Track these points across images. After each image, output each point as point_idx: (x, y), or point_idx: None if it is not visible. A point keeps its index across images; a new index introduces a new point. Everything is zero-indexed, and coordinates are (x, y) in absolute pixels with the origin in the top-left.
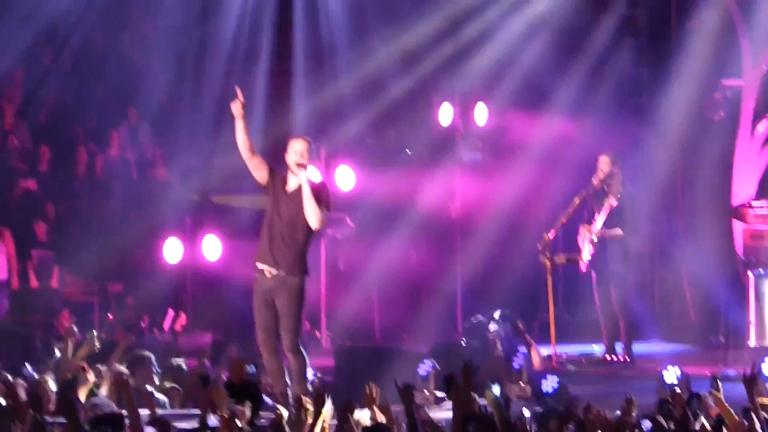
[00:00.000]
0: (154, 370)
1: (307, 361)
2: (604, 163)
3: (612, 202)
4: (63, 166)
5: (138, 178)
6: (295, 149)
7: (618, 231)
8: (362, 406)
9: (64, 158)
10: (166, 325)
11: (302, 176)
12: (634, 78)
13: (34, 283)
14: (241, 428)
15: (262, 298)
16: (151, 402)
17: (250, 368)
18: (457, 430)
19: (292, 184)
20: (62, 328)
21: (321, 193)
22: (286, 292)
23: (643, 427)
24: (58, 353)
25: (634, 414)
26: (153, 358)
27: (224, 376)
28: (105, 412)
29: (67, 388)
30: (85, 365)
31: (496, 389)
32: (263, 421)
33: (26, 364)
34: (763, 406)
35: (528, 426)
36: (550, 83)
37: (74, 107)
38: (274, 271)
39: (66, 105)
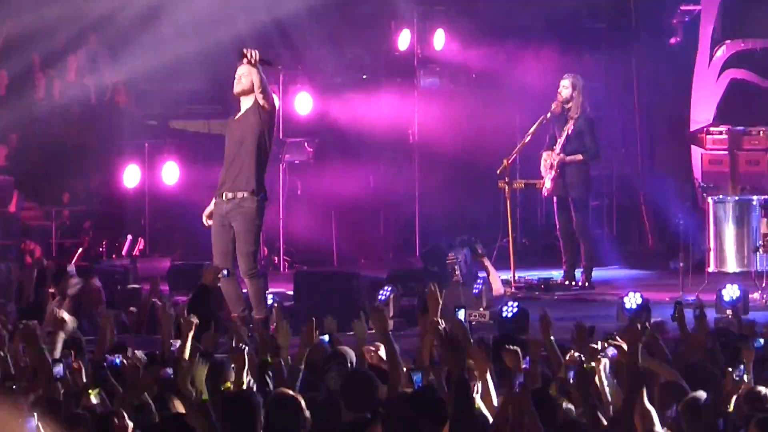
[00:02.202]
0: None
1: (265, 285)
2: (564, 86)
3: (568, 127)
4: (21, 90)
5: (97, 103)
6: (237, 75)
7: (578, 156)
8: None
9: (23, 83)
10: (125, 250)
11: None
12: (592, 3)
13: None
14: (204, 352)
15: (219, 223)
16: (111, 325)
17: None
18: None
19: (240, 111)
20: (29, 257)
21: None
22: (241, 216)
23: (608, 353)
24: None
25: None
26: (98, 281)
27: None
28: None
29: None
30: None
31: (461, 314)
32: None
33: None
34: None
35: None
36: (508, 8)
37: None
38: (230, 195)
39: (24, 30)
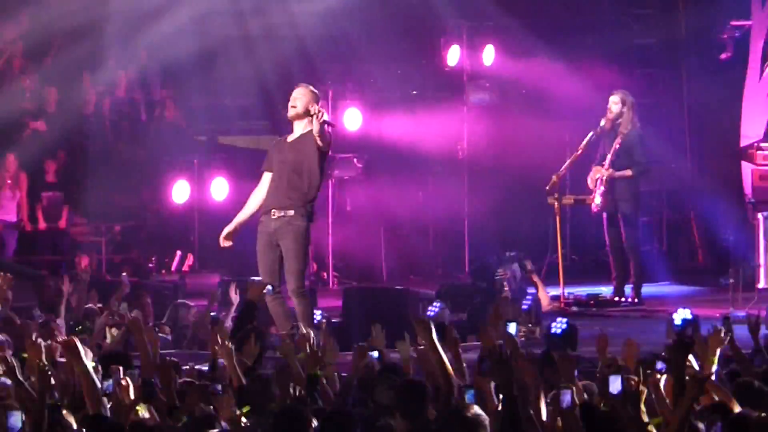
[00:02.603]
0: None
1: (313, 302)
2: (613, 102)
3: (616, 142)
4: (71, 106)
5: (146, 119)
6: (291, 97)
7: (628, 171)
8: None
9: (72, 99)
10: (174, 266)
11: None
12: (642, 19)
13: (42, 224)
14: (252, 368)
15: (266, 241)
16: (155, 341)
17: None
18: (461, 374)
19: (295, 134)
20: (79, 269)
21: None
22: (291, 234)
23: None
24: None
25: (636, 355)
26: (148, 299)
27: (230, 319)
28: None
29: (76, 330)
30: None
31: (512, 327)
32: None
33: (36, 307)
34: None
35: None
36: (558, 24)
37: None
38: (280, 213)
39: (74, 46)
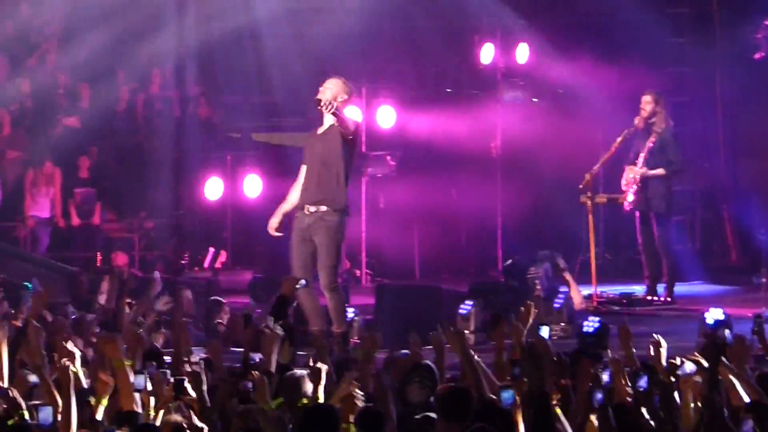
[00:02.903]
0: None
1: (346, 298)
2: (646, 102)
3: (651, 141)
4: (104, 103)
5: (180, 115)
6: (323, 86)
7: (661, 170)
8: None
9: (105, 95)
10: (207, 262)
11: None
12: (676, 18)
13: (75, 220)
14: (286, 366)
15: (300, 236)
16: (187, 338)
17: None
18: (501, 369)
19: (324, 126)
20: (115, 266)
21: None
22: (324, 230)
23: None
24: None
25: (663, 354)
26: (189, 293)
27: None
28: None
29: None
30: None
31: (545, 331)
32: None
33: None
34: None
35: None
36: (591, 22)
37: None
38: (312, 209)
39: (107, 43)
